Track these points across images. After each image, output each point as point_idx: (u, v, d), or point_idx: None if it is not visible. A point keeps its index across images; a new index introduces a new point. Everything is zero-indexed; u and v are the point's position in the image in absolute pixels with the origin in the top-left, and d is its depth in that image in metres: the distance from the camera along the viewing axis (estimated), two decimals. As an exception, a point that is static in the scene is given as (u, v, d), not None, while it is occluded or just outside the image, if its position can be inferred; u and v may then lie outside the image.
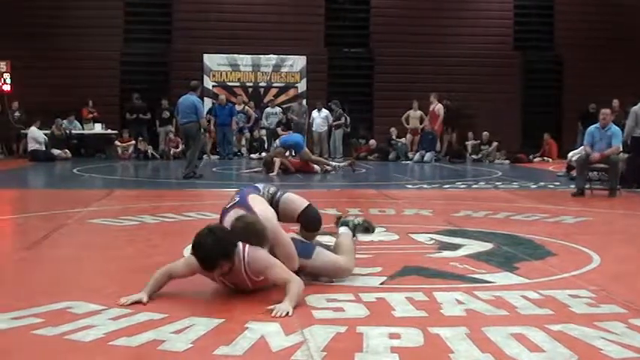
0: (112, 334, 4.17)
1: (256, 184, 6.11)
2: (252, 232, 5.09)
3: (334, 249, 5.90)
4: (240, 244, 4.94)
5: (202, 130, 16.86)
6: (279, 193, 5.98)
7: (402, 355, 3.85)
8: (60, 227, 8.56)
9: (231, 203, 5.58)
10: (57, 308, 4.71)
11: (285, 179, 15.66)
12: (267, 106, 24.57)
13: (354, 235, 6.12)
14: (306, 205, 6.03)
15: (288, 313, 4.53)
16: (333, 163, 18.58)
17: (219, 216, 5.68)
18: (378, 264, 6.22)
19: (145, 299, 4.83)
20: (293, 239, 5.55)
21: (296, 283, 4.84)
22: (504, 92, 25.93)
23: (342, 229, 6.13)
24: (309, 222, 6.04)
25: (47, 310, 4.67)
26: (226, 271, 4.91)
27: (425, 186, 15.23)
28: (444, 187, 14.68)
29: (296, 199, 6.06)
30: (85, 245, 7.65)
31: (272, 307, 4.58)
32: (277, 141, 18.33)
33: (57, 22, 24.63)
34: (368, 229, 6.29)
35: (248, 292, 5.07)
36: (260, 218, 5.27)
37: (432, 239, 7.59)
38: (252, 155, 23.30)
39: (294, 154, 17.80)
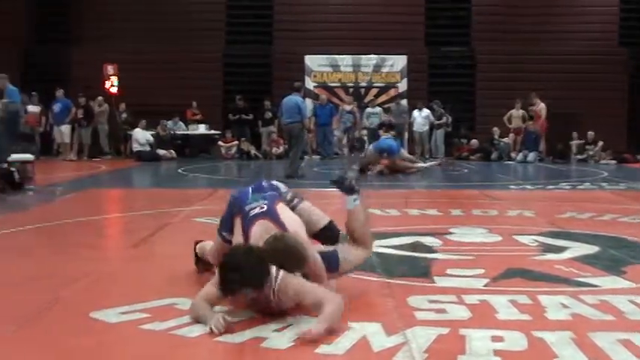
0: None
1: (277, 183, 5.71)
2: (293, 257, 4.62)
3: (352, 237, 5.38)
4: (273, 270, 4.45)
5: (306, 130, 16.95)
6: (296, 200, 5.59)
7: (506, 359, 3.79)
8: (165, 225, 8.72)
9: (256, 210, 5.05)
10: (163, 304, 4.81)
11: (389, 179, 15.61)
12: (368, 106, 24.55)
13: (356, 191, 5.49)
14: (328, 221, 5.65)
15: (321, 335, 4.02)
16: (420, 165, 18.39)
17: (227, 208, 5.33)
18: (480, 265, 6.15)
19: (221, 315, 4.30)
20: (320, 252, 5.08)
21: (333, 305, 4.28)
22: (610, 90, 25.27)
23: (351, 200, 5.48)
24: (330, 239, 5.55)
25: (154, 306, 4.77)
26: (248, 298, 4.43)
27: (528, 186, 14.98)
28: (548, 188, 14.42)
29: (318, 212, 5.69)
30: (189, 243, 7.75)
31: (304, 332, 4.07)
32: (370, 146, 18.22)
33: (161, 26, 25.11)
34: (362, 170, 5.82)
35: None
36: (299, 240, 4.80)
37: (535, 241, 7.45)
38: (353, 155, 23.31)
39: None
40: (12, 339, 4.19)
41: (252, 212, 5.02)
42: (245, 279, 4.26)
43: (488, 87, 25.40)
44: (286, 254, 4.59)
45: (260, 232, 4.86)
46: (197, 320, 4.36)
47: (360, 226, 5.37)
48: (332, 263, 5.07)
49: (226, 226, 5.30)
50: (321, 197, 12.12)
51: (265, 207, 5.05)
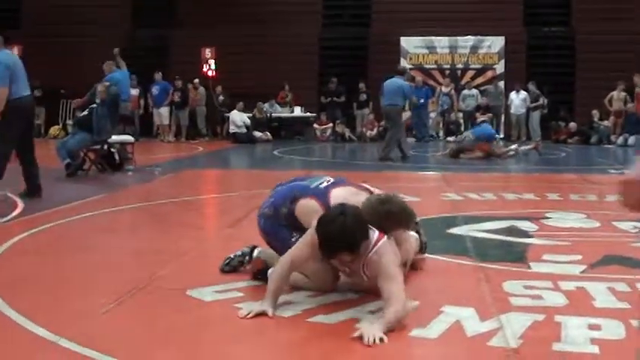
0: (310, 311, 4.26)
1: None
2: (398, 217, 4.58)
3: None
4: (375, 234, 4.29)
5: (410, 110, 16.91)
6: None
7: (603, 348, 3.73)
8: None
9: (324, 183, 5.01)
10: (256, 284, 4.86)
11: (485, 163, 15.45)
12: (465, 88, 24.30)
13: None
14: None
15: (380, 339, 3.71)
16: (514, 146, 18.04)
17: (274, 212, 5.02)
18: (578, 251, 6.04)
19: (270, 312, 4.16)
20: None
21: (398, 307, 3.98)
22: None
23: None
24: None
25: (248, 285, 4.85)
26: (347, 261, 4.31)
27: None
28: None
29: None
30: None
31: (360, 332, 3.79)
32: (470, 133, 17.93)
33: (259, 10, 25.34)
34: (422, 249, 5.50)
35: (364, 286, 4.54)
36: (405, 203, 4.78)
37: (636, 227, 7.28)
38: (449, 138, 23.09)
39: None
40: (114, 312, 4.32)
41: (322, 185, 4.98)
42: (343, 240, 4.13)
43: (588, 68, 24.74)
44: (390, 215, 4.51)
45: (343, 194, 4.81)
46: (270, 289, 4.30)
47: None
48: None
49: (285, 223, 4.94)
50: (414, 180, 12.10)
51: (333, 179, 5.09)
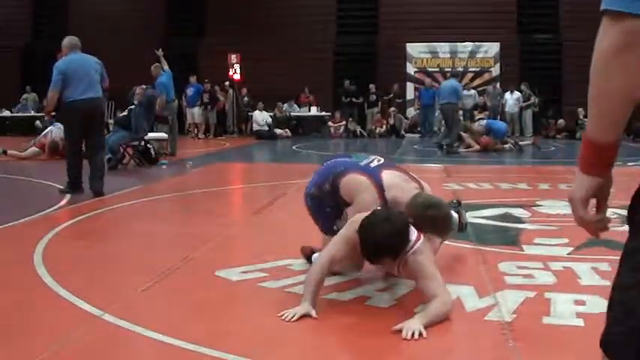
0: (325, 289, 4.27)
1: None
2: (440, 226, 4.26)
3: None
4: (414, 234, 3.92)
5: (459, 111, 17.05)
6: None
7: (587, 321, 3.72)
8: (281, 196, 8.83)
9: (375, 162, 4.59)
10: (279, 265, 4.89)
11: (483, 156, 15.42)
12: (463, 89, 24.21)
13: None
14: None
15: (419, 332, 3.49)
16: (509, 143, 17.88)
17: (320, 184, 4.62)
18: (565, 235, 6.01)
19: (313, 313, 3.78)
20: None
21: (440, 303, 3.73)
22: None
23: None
24: None
25: (271, 266, 4.87)
26: (386, 263, 3.98)
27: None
28: (628, 165, 13.97)
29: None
30: (302, 212, 7.84)
31: (400, 325, 3.55)
32: (483, 121, 17.79)
33: (280, 20, 25.38)
34: (462, 229, 5.34)
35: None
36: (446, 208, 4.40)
37: (615, 213, 7.22)
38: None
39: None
40: (152, 290, 4.35)
41: (373, 164, 4.56)
42: (387, 248, 3.77)
43: (574, 71, 24.53)
44: (435, 222, 4.16)
45: (396, 180, 4.45)
46: (305, 284, 3.97)
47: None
48: None
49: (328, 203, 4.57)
50: (420, 172, 12.09)
51: (382, 160, 4.67)
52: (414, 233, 3.91)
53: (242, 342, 3.45)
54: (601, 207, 1.75)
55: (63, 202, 8.12)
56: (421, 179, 4.81)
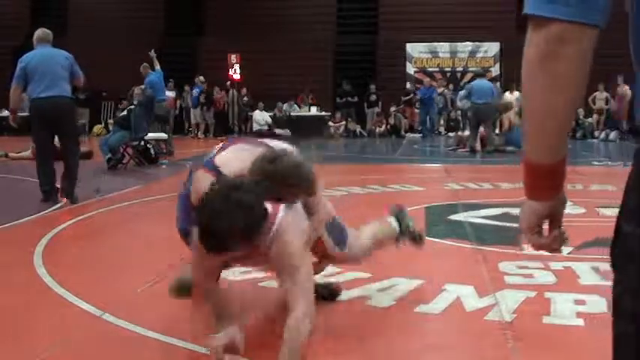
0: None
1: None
2: (294, 178, 3.08)
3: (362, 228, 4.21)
4: (269, 207, 2.94)
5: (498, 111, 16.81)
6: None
7: (587, 320, 3.72)
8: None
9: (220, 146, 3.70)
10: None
11: (482, 155, 15.42)
12: (463, 89, 24.19)
13: (398, 239, 4.38)
14: None
15: None
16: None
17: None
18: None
19: (238, 338, 3.04)
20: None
21: (294, 329, 2.86)
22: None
23: (392, 221, 4.43)
24: None
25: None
26: (240, 256, 3.12)
27: (609, 163, 14.54)
28: (627, 164, 13.95)
29: None
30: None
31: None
32: (502, 137, 17.58)
33: (279, 19, 25.39)
34: (415, 239, 4.41)
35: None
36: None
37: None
38: (450, 134, 23.02)
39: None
40: (151, 290, 4.37)
41: (212, 152, 3.67)
42: (230, 233, 2.73)
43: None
44: (284, 176, 3.02)
45: (229, 155, 3.51)
46: (215, 315, 3.20)
47: (381, 235, 4.30)
48: (342, 237, 3.85)
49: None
50: (421, 172, 12.09)
51: (223, 144, 3.75)
52: (267, 207, 2.94)
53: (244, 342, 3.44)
54: (552, 227, 1.54)
55: (63, 202, 8.11)
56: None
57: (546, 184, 1.43)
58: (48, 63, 8.03)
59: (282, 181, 3.00)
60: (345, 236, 3.84)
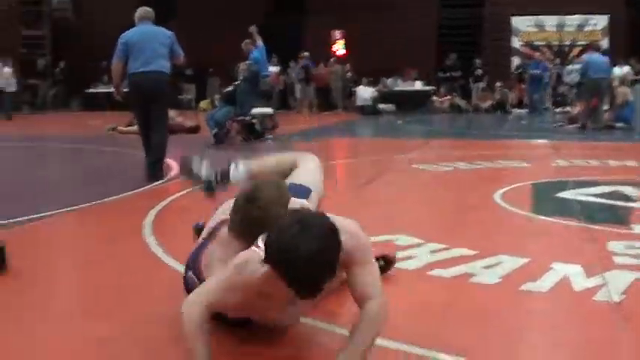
0: (431, 265, 4.25)
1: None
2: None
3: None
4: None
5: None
6: None
7: (703, 303, 3.58)
8: (385, 170, 8.82)
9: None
10: (384, 239, 4.84)
11: (591, 132, 14.98)
12: (570, 64, 23.51)
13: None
14: None
15: None
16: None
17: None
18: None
19: None
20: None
21: (379, 315, 2.73)
22: None
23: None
24: None
25: (376, 241, 4.75)
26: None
27: None
28: None
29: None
30: (407, 186, 7.85)
31: None
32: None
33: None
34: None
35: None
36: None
37: None
38: (557, 109, 22.44)
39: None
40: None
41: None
42: (324, 265, 2.46)
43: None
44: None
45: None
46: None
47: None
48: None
49: None
50: (527, 148, 11.85)
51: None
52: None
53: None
54: None
55: (171, 175, 8.31)
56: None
57: None
58: (147, 39, 8.13)
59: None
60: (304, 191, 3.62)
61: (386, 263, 4.02)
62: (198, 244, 3.31)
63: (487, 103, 22.81)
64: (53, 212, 6.10)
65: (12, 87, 21.92)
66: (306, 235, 2.39)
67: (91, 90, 26.31)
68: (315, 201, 3.61)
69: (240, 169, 4.01)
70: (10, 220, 5.66)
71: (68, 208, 6.29)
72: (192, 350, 2.59)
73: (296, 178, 3.68)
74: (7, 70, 21.68)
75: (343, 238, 2.57)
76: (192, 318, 2.62)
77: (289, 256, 2.39)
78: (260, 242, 2.69)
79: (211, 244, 3.16)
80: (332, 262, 2.47)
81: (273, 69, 21.99)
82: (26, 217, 5.84)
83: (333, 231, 2.50)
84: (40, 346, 3.10)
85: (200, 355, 2.58)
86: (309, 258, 2.37)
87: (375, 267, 2.86)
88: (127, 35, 8.21)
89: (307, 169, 3.81)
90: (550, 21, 24.91)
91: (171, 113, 14.49)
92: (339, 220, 2.73)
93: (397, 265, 4.21)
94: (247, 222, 2.99)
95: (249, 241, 2.83)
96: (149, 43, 8.11)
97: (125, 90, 8.42)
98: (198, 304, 2.65)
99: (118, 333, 3.11)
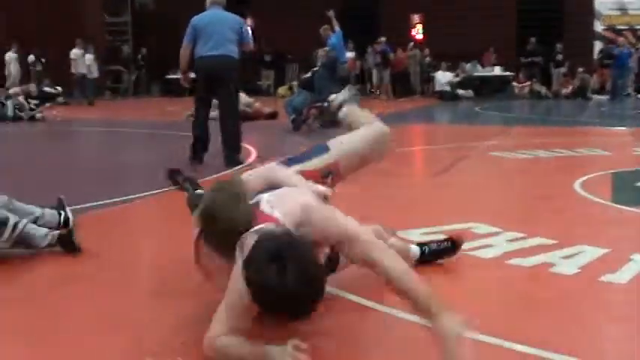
0: (509, 254, 4.23)
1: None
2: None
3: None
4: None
5: None
6: None
7: None
8: (463, 158, 8.77)
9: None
10: (460, 227, 4.81)
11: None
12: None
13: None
14: None
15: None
16: None
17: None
18: None
19: None
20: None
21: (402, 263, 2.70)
22: None
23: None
24: None
25: (452, 229, 4.76)
26: None
27: None
28: None
29: None
30: (484, 174, 7.80)
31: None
32: None
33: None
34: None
35: None
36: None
37: None
38: (638, 96, 21.88)
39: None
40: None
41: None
42: (320, 288, 2.47)
43: None
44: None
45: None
46: None
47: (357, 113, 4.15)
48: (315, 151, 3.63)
49: None
50: (604, 135, 11.62)
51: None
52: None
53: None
54: None
55: (250, 160, 8.44)
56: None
57: None
58: (217, 24, 8.14)
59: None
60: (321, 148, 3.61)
61: (453, 245, 4.03)
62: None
63: (568, 89, 22.38)
64: (134, 196, 6.27)
65: (94, 73, 22.54)
66: (285, 274, 2.32)
67: (170, 76, 26.79)
68: (329, 159, 3.57)
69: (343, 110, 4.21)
70: (92, 204, 5.84)
71: (147, 193, 6.44)
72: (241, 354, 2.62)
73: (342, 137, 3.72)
74: (89, 56, 22.27)
75: (308, 230, 2.66)
76: (214, 347, 2.66)
77: (277, 302, 2.38)
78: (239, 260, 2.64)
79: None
80: (320, 285, 2.44)
81: (349, 54, 22.02)
82: (111, 200, 6.02)
83: (307, 256, 2.43)
84: (134, 320, 3.22)
85: (245, 345, 2.63)
86: (295, 297, 2.34)
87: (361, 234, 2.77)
88: (197, 19, 8.25)
89: (356, 133, 3.84)
90: (633, 4, 24.23)
91: (250, 99, 14.73)
92: (296, 215, 2.75)
93: (474, 253, 4.22)
94: (216, 237, 2.94)
95: (228, 249, 2.79)
96: (219, 27, 8.12)
97: (192, 76, 8.48)
98: (217, 338, 2.66)
99: (202, 310, 3.19)
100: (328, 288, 2.92)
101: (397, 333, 3.08)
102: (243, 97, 13.63)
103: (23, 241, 4.27)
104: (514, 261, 4.11)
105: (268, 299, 2.39)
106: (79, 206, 5.54)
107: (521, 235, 4.62)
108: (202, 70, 8.16)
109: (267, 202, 2.86)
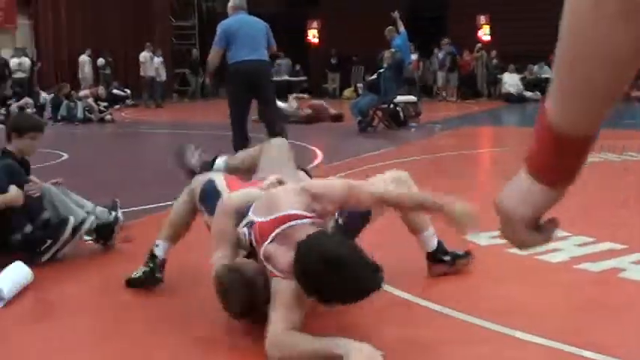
0: (577, 259, 4.19)
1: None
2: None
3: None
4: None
5: None
6: None
7: None
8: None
9: None
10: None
11: None
12: None
13: None
14: None
15: None
16: None
17: None
18: None
19: None
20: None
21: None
22: None
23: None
24: None
25: None
26: None
27: None
28: None
29: None
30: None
31: None
32: None
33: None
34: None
35: None
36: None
37: None
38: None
39: None
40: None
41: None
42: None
43: None
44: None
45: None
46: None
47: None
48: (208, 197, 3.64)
49: None
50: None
51: None
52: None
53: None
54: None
55: (316, 162, 8.49)
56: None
57: (568, 163, 1.06)
58: (249, 28, 8.09)
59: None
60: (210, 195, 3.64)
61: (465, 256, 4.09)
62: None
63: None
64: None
65: (162, 76, 22.93)
66: (335, 267, 2.68)
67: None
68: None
69: (221, 162, 4.22)
70: (162, 204, 5.92)
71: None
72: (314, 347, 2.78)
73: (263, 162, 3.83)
74: (158, 60, 22.66)
75: (313, 203, 3.00)
76: (280, 343, 2.83)
77: (338, 296, 2.78)
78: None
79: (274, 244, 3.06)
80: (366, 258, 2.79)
81: (413, 56, 21.96)
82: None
83: (359, 251, 2.83)
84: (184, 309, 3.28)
85: (312, 339, 2.81)
86: (356, 280, 2.73)
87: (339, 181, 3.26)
88: (228, 23, 8.20)
89: (269, 157, 3.90)
90: None
91: (295, 104, 14.83)
92: (302, 198, 3.03)
93: (540, 257, 4.18)
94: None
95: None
96: (252, 31, 8.09)
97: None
98: (280, 334, 2.83)
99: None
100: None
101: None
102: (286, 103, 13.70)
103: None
104: (583, 265, 4.07)
105: (330, 287, 2.72)
106: (147, 206, 5.66)
107: (591, 239, 4.56)
108: (241, 75, 7.99)
109: (255, 211, 3.10)
